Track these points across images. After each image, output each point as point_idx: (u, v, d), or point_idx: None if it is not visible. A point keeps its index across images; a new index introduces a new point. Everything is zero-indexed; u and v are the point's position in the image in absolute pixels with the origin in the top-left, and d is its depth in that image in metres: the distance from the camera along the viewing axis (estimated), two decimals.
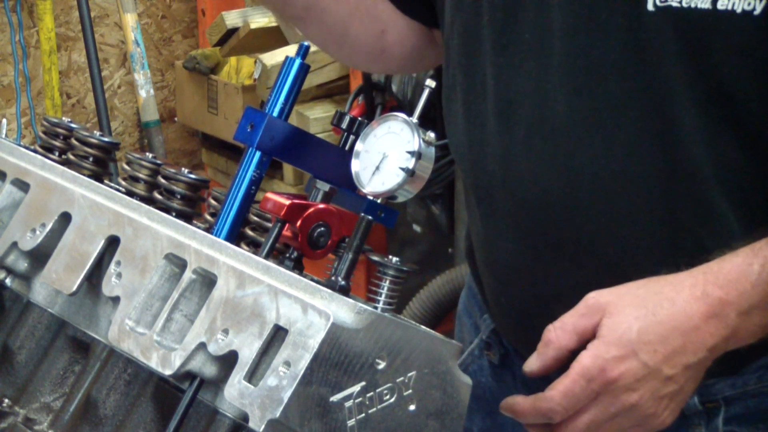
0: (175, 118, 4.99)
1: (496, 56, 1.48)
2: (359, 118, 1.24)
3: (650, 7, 1.35)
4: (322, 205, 1.21)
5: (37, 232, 1.28)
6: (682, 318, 1.29)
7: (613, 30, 1.38)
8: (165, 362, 1.13)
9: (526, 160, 1.45)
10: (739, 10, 1.31)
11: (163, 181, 1.29)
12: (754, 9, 1.31)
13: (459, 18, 1.54)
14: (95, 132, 1.37)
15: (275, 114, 1.23)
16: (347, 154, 1.21)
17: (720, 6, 1.32)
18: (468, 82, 1.53)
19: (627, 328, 1.28)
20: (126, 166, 1.33)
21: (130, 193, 1.29)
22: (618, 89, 1.39)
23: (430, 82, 1.20)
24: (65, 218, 1.27)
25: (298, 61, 1.25)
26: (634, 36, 1.37)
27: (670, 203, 1.40)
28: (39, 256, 1.28)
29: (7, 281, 1.32)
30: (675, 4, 1.34)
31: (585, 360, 1.29)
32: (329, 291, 1.09)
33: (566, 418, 1.31)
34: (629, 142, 1.39)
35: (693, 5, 1.33)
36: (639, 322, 1.28)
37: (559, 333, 1.32)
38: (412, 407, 1.14)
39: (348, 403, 1.09)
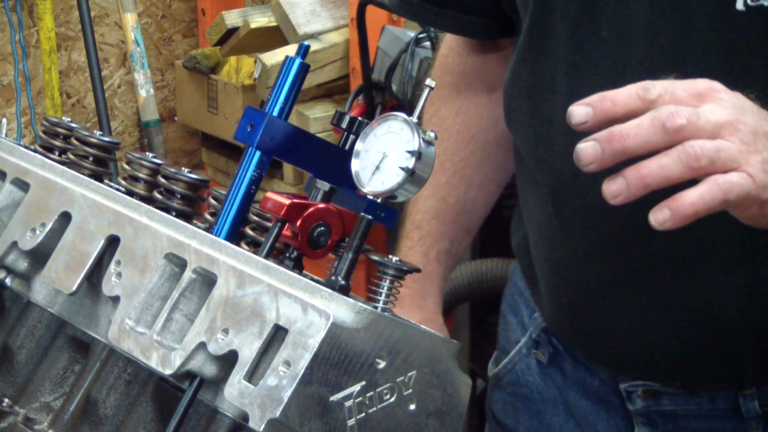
0: (175, 118, 4.99)
1: (570, 53, 1.44)
2: (359, 118, 1.24)
3: (740, 6, 1.32)
4: (322, 205, 1.21)
5: (37, 232, 1.28)
6: None
7: (698, 28, 1.35)
8: (165, 362, 1.13)
9: None
10: None
11: (163, 180, 1.29)
12: None
13: (527, 13, 1.51)
14: (95, 131, 1.37)
15: (275, 113, 1.23)
16: (347, 154, 1.21)
17: None
18: (534, 79, 1.50)
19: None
20: (126, 166, 1.33)
21: (130, 193, 1.29)
22: None
23: (430, 82, 1.20)
24: (65, 218, 1.27)
25: (298, 61, 1.25)
26: (720, 35, 1.34)
27: None
28: (39, 256, 1.28)
29: (7, 281, 1.32)
30: (767, 3, 1.31)
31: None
32: (329, 291, 1.09)
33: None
34: None
35: None
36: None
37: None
38: (412, 407, 1.14)
39: (348, 403, 1.09)
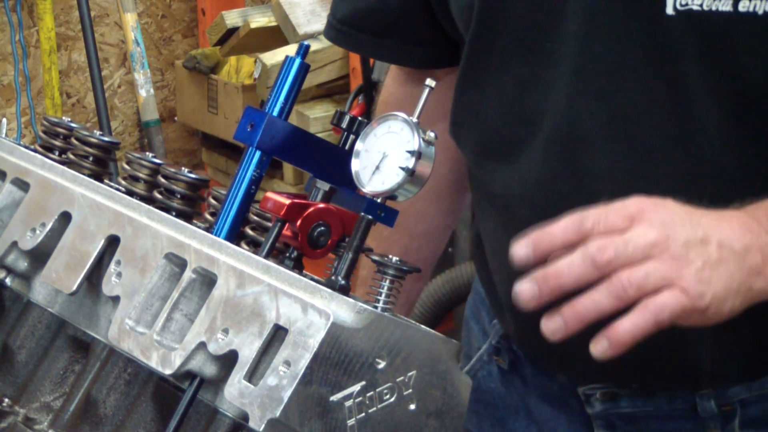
0: (175, 118, 4.99)
1: (517, 66, 1.45)
2: (359, 118, 1.24)
3: (669, 11, 1.33)
4: (322, 205, 1.21)
5: (37, 232, 1.28)
6: (719, 217, 1.23)
7: (631, 34, 1.36)
8: (165, 362, 1.13)
9: (544, 169, 1.43)
10: (760, 12, 1.29)
11: (163, 180, 1.29)
12: None
13: (469, 30, 1.50)
14: (95, 131, 1.37)
15: (275, 113, 1.23)
16: (347, 154, 1.21)
17: (741, 8, 1.30)
18: (479, 94, 1.50)
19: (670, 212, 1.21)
20: (126, 166, 1.33)
21: (130, 193, 1.29)
22: (637, 93, 1.37)
23: (430, 82, 1.20)
24: (65, 218, 1.27)
25: (298, 61, 1.25)
26: (652, 40, 1.35)
27: (694, 205, 1.38)
28: (39, 256, 1.28)
29: (7, 281, 1.32)
30: (695, 7, 1.32)
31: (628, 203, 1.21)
32: (329, 290, 1.09)
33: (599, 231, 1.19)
34: (651, 146, 1.37)
35: (714, 8, 1.31)
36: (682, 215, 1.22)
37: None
38: (412, 406, 1.14)
39: (348, 403, 1.09)
